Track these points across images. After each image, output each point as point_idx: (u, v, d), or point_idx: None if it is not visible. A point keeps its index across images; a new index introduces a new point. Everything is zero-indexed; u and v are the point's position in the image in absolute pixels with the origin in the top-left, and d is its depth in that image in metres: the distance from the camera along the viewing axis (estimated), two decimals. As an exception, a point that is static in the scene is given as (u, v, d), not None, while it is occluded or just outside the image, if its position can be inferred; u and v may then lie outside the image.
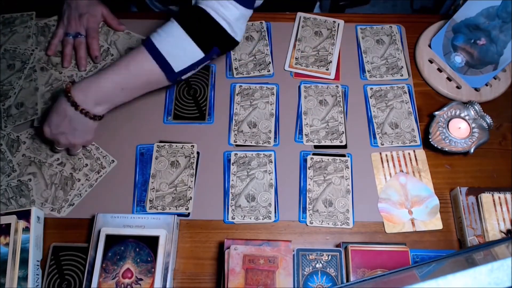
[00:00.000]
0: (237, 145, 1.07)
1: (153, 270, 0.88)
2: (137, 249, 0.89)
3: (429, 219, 0.99)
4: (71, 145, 1.01)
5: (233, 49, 1.08)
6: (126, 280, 0.87)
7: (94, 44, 1.16)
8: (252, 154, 1.05)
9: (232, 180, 1.03)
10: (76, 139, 1.00)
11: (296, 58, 1.17)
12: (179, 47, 0.94)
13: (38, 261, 0.93)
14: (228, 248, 0.87)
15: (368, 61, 1.17)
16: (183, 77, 1.00)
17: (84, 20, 1.16)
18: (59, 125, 0.97)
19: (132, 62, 0.95)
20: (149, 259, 0.89)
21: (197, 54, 0.95)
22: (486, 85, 1.13)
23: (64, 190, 1.02)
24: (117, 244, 0.90)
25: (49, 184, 1.02)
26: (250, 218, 0.99)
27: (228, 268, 0.85)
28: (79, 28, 1.16)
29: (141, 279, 0.87)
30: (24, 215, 0.93)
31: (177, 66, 0.95)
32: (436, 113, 1.06)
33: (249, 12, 0.98)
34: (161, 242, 0.90)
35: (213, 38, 0.95)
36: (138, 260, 0.89)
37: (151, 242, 0.90)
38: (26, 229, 0.92)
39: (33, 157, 1.05)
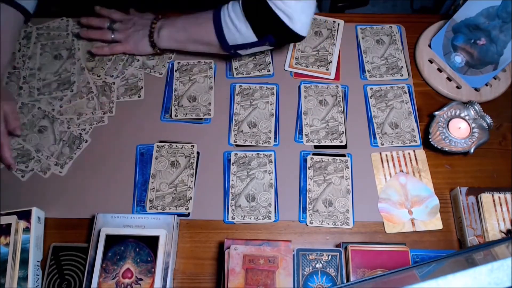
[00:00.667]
0: (237, 145, 1.07)
1: (153, 270, 0.88)
2: (137, 249, 0.89)
3: (429, 219, 0.99)
4: (123, 33, 1.15)
5: (298, 41, 1.12)
6: (126, 280, 0.87)
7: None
8: (252, 154, 1.05)
9: (232, 180, 1.03)
10: (131, 41, 1.15)
11: (296, 58, 1.17)
12: (236, 26, 1.00)
13: (38, 261, 0.93)
14: (228, 248, 0.87)
15: (368, 61, 1.17)
16: (242, 53, 1.08)
17: None
18: (130, 20, 1.15)
19: (200, 18, 1.07)
20: (149, 259, 0.89)
21: (250, 37, 1.00)
22: (486, 85, 1.13)
23: (70, 148, 1.05)
24: (117, 244, 0.90)
25: (58, 140, 1.06)
26: (250, 218, 0.99)
27: (228, 268, 0.85)
28: None
29: (141, 279, 0.87)
30: (25, 215, 0.93)
31: (231, 41, 1.02)
32: (436, 113, 1.07)
33: (311, 4, 0.98)
34: (161, 242, 0.90)
35: (269, 28, 0.99)
36: (138, 260, 0.89)
37: (151, 242, 0.90)
38: (27, 229, 0.92)
39: (48, 111, 1.08)
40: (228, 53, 1.07)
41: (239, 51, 1.06)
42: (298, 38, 1.00)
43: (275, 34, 1.00)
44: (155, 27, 1.11)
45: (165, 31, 1.10)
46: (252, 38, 1.00)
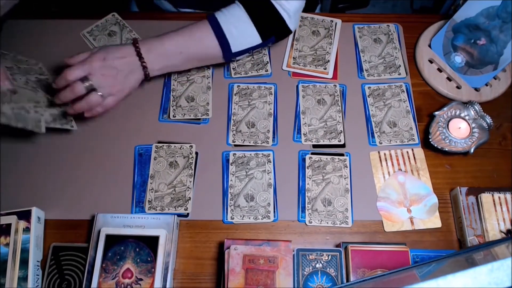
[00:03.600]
0: (235, 145, 1.07)
1: (153, 270, 0.88)
2: (137, 249, 0.89)
3: (427, 217, 0.99)
4: (106, 89, 0.96)
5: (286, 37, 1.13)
6: (126, 280, 0.87)
7: None
8: (250, 154, 1.05)
9: (231, 180, 1.03)
10: (117, 86, 0.97)
11: (294, 58, 1.17)
12: (241, 30, 1.00)
13: (38, 261, 0.93)
14: (228, 248, 0.87)
15: (365, 60, 1.17)
16: (237, 57, 1.07)
17: None
18: (114, 61, 0.96)
19: (196, 32, 1.00)
20: (149, 259, 0.89)
21: (255, 39, 1.02)
22: (486, 85, 1.13)
23: None
24: (117, 244, 0.90)
25: None
26: (249, 218, 0.99)
27: (228, 268, 0.85)
28: None
29: (141, 279, 0.87)
30: (25, 215, 0.93)
31: (235, 47, 1.01)
32: (436, 113, 1.07)
33: (303, 3, 1.05)
34: (161, 242, 0.90)
35: (273, 28, 1.03)
36: (138, 260, 0.89)
37: (151, 242, 0.90)
38: (27, 229, 0.92)
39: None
40: (226, 61, 1.06)
41: (237, 57, 1.07)
42: (289, 34, 1.08)
43: (277, 34, 1.03)
44: (144, 57, 0.98)
45: (156, 60, 1.00)
46: (257, 40, 1.02)
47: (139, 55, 0.97)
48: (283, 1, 0.99)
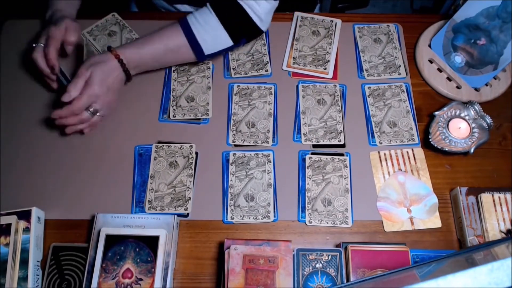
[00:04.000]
0: (235, 145, 1.07)
1: (153, 270, 0.88)
2: (137, 249, 0.89)
3: (427, 217, 0.99)
4: (106, 110, 1.06)
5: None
6: (126, 280, 0.87)
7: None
8: (250, 154, 1.05)
9: (231, 180, 1.03)
10: (114, 103, 1.08)
11: (294, 58, 1.17)
12: (212, 35, 1.04)
13: (38, 261, 0.93)
14: (228, 248, 0.87)
15: (365, 60, 1.17)
16: (210, 58, 1.11)
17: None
18: (114, 85, 1.04)
19: (170, 40, 1.05)
20: (149, 259, 0.89)
21: (227, 42, 1.06)
22: (486, 85, 1.13)
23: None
24: (117, 244, 0.90)
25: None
26: (249, 218, 0.99)
27: (228, 268, 0.85)
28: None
29: (141, 279, 0.87)
30: (25, 215, 0.93)
31: (207, 50, 1.06)
32: (436, 113, 1.07)
33: (277, 3, 1.07)
34: (161, 242, 0.90)
35: (244, 31, 1.06)
36: (138, 260, 0.88)
37: (151, 242, 0.90)
38: (27, 229, 0.92)
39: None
40: (200, 61, 1.10)
41: (210, 58, 1.11)
42: (261, 34, 1.11)
43: (248, 36, 1.08)
44: (128, 69, 1.04)
45: (134, 69, 1.07)
46: (229, 43, 1.06)
47: (124, 69, 1.04)
48: (254, 5, 1.02)
